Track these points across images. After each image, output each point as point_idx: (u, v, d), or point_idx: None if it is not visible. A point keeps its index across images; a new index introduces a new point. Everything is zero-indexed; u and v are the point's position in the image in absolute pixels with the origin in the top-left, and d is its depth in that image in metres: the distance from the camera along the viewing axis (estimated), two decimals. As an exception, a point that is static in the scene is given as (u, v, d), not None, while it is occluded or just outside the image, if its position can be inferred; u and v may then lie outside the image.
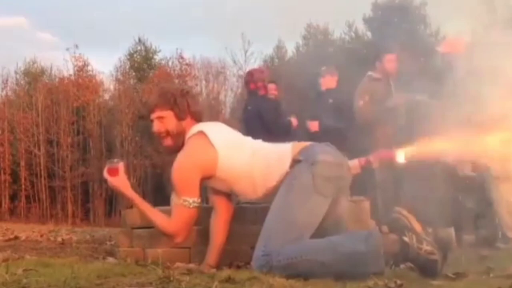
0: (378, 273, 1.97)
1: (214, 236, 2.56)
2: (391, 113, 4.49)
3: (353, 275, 1.96)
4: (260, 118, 4.72)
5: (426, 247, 2.06)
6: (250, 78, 4.91)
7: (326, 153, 2.29)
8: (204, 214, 2.81)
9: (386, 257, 2.04)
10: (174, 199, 2.36)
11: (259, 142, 2.49)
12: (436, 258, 2.06)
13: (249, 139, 2.52)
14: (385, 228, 2.10)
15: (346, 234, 2.26)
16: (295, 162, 2.27)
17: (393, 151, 2.76)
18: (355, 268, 2.00)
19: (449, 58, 4.30)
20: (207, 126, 2.42)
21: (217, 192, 2.54)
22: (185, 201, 2.29)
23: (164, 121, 2.42)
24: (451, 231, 2.10)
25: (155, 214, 2.38)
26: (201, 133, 2.36)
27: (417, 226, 2.10)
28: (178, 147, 2.42)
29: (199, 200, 2.33)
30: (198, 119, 2.47)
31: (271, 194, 2.31)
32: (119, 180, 2.37)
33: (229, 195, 2.56)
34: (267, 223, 2.20)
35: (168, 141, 2.44)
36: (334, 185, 2.25)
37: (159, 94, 2.48)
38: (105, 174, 2.38)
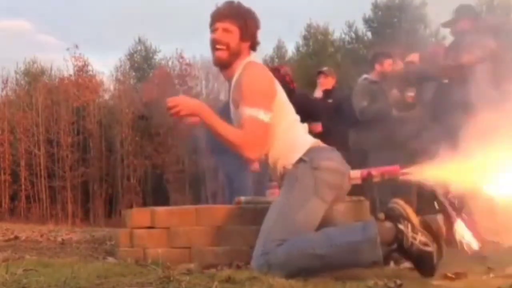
0: (377, 263, 2.01)
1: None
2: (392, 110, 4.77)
3: (352, 265, 1.97)
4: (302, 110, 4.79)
5: (421, 237, 2.07)
6: (277, 74, 4.93)
7: (331, 159, 2.28)
8: (205, 214, 2.81)
9: (382, 246, 2.04)
10: (242, 111, 2.24)
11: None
12: (431, 249, 2.06)
13: None
14: (381, 215, 2.11)
15: (342, 226, 2.27)
16: (300, 159, 2.25)
17: (396, 168, 2.74)
18: (353, 258, 2.02)
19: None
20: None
21: None
22: (258, 111, 2.20)
23: (228, 35, 2.35)
24: (439, 218, 2.11)
25: (225, 127, 2.25)
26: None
27: (414, 218, 2.11)
28: (228, 64, 2.37)
29: (271, 116, 2.23)
30: (254, 48, 2.44)
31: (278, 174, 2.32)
32: (186, 104, 2.26)
33: None
34: (266, 222, 2.21)
35: (224, 54, 2.35)
36: (333, 192, 2.25)
37: (231, 8, 2.40)
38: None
